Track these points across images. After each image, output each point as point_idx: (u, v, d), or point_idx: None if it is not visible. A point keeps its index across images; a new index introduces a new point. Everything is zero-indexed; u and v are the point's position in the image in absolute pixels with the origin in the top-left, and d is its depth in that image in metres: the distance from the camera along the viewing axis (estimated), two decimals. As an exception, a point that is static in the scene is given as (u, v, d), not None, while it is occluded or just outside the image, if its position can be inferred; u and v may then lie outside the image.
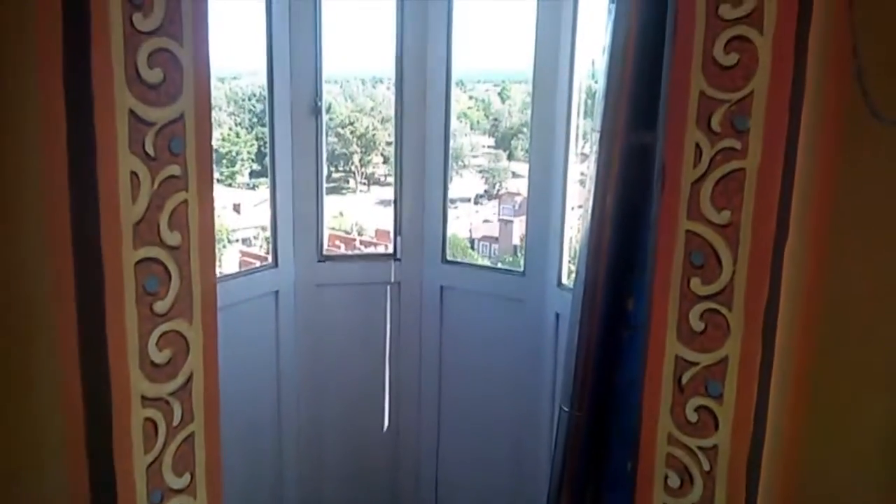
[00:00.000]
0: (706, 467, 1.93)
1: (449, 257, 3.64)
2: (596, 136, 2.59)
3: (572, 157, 3.20)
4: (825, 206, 1.95)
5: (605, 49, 2.49)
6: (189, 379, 1.81)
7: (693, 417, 1.93)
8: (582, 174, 3.28)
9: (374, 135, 7.68)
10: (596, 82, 2.85)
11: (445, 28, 3.43)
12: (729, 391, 1.88)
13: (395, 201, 3.59)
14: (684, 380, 1.94)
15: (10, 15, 1.59)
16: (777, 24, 1.73)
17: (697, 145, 1.83)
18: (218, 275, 1.90)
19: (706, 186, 1.84)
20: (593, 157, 2.60)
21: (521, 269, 3.44)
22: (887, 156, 1.89)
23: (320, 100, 3.41)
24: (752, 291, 1.82)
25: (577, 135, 3.19)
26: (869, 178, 1.91)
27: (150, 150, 1.65)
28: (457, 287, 3.58)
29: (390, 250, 3.70)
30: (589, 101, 3.20)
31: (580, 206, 3.10)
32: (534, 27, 3.20)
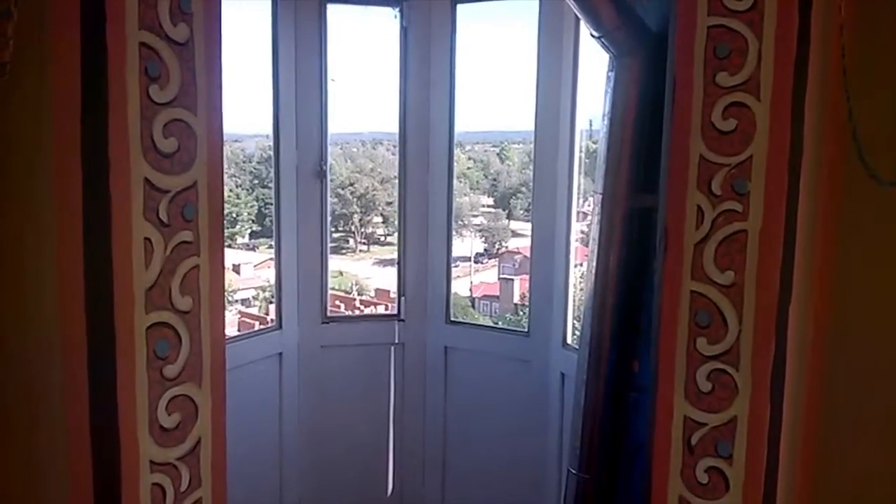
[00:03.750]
0: (717, 530, 1.91)
1: (452, 317, 3.65)
2: (598, 197, 2.63)
3: (573, 216, 3.25)
4: (827, 265, 1.98)
5: (605, 115, 2.55)
6: (197, 443, 1.80)
7: (704, 479, 1.92)
8: (582, 232, 3.32)
9: (373, 195, 7.75)
10: (595, 142, 2.92)
11: (448, 89, 3.51)
12: (738, 451, 1.88)
13: (398, 262, 3.61)
14: (694, 440, 1.93)
15: (31, 79, 1.64)
16: (773, 90, 1.78)
17: (699, 207, 1.86)
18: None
19: (709, 247, 1.86)
20: (595, 219, 2.64)
21: (526, 328, 3.45)
22: (886, 216, 1.93)
23: (325, 162, 3.47)
24: (759, 350, 1.83)
25: (577, 193, 3.24)
26: (869, 239, 1.95)
27: (163, 216, 1.67)
28: (461, 347, 3.58)
29: (391, 310, 3.71)
30: (587, 161, 3.26)
31: (581, 265, 3.13)
32: (534, 89, 3.28)
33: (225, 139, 1.84)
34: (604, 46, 2.52)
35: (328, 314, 3.56)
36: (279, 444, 3.44)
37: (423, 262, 3.56)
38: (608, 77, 2.55)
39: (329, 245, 3.58)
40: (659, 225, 1.98)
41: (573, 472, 2.67)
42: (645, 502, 2.03)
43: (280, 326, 3.42)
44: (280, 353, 3.40)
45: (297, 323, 3.46)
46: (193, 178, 1.73)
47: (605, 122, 2.55)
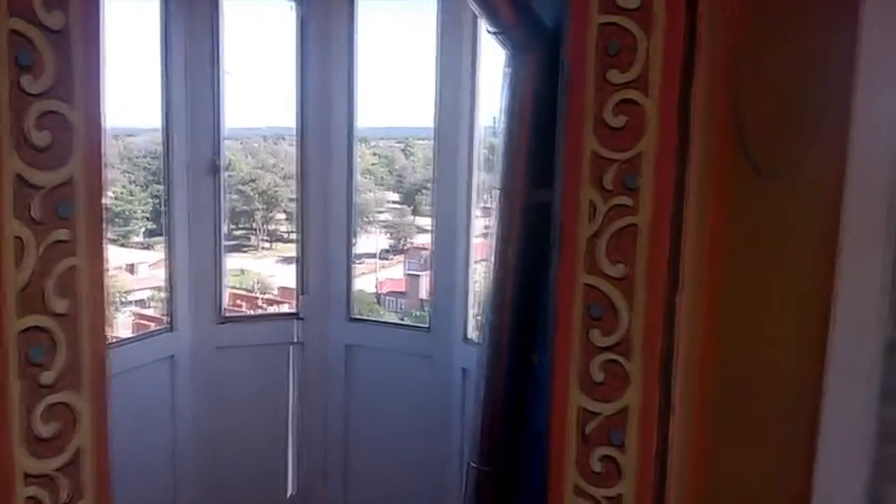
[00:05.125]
0: (612, 517, 1.96)
1: (355, 314, 3.61)
2: (497, 193, 2.65)
3: (475, 212, 3.26)
4: (715, 258, 2.06)
5: (503, 111, 2.57)
6: (78, 453, 1.71)
7: (598, 468, 1.96)
8: (486, 227, 3.34)
9: (276, 191, 7.60)
10: (498, 139, 2.94)
11: (347, 82, 3.47)
12: (631, 439, 1.92)
13: (298, 259, 3.55)
14: (588, 430, 1.97)
15: None
16: (662, 87, 1.83)
17: (592, 202, 1.90)
18: (110, 340, 1.82)
19: (601, 241, 1.90)
20: (495, 214, 2.66)
21: (427, 324, 3.44)
22: (771, 210, 2.02)
23: (220, 157, 3.36)
24: (649, 341, 1.88)
25: (479, 189, 3.26)
26: (755, 232, 2.04)
27: (36, 214, 1.58)
28: (363, 345, 3.54)
29: (295, 309, 3.64)
30: (491, 157, 3.28)
31: (484, 260, 3.15)
32: (434, 85, 3.27)
33: (118, 133, 1.75)
34: (501, 43, 2.53)
35: (225, 314, 3.46)
36: (172, 450, 3.32)
37: (325, 259, 3.50)
38: (505, 73, 2.57)
39: (225, 243, 3.47)
40: (554, 220, 2.01)
41: (474, 466, 2.68)
42: (543, 493, 2.06)
43: (172, 328, 3.30)
44: (172, 356, 3.28)
45: (191, 324, 3.34)
46: (70, 173, 1.63)
47: (503, 118, 2.57)
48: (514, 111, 2.53)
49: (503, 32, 2.49)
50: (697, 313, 1.99)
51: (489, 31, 2.56)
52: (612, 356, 1.93)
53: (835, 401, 1.98)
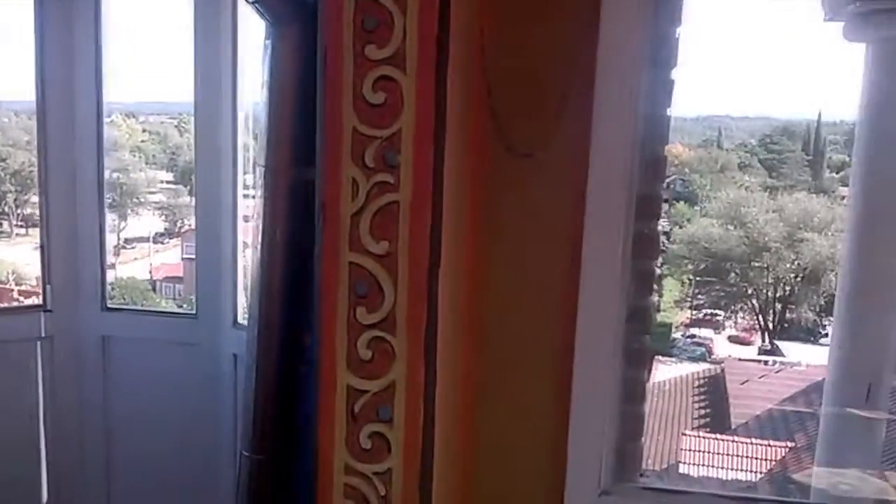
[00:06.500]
0: (382, 492, 1.98)
1: (114, 304, 3.35)
2: (261, 170, 2.55)
3: (241, 192, 3.14)
4: (475, 233, 2.14)
5: (264, 84, 2.48)
6: None
7: (367, 444, 1.97)
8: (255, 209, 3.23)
9: (31, 171, 6.85)
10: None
11: (95, 54, 3.18)
12: (398, 414, 1.95)
13: (41, 246, 3.20)
14: (357, 408, 1.97)
15: None
16: (418, 65, 1.84)
17: (354, 180, 1.89)
18: None
19: (365, 219, 1.90)
20: (260, 193, 2.56)
21: (194, 311, 3.27)
22: (521, 184, 2.12)
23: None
24: (412, 316, 1.91)
25: (244, 169, 3.14)
26: (512, 207, 2.14)
27: None
28: (122, 336, 3.31)
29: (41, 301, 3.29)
30: (259, 135, 3.16)
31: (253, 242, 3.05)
32: (192, 60, 3.09)
33: None
34: (259, 13, 2.43)
35: (-46, 310, 3.06)
36: None
37: (73, 245, 3.20)
38: (266, 46, 2.47)
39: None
40: (317, 197, 1.97)
41: (246, 454, 2.59)
42: (314, 474, 2.03)
43: None
44: None
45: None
46: None
47: (265, 92, 2.47)
48: (276, 86, 2.44)
49: (260, 2, 2.39)
50: (459, 288, 2.06)
51: (247, 1, 2.44)
52: (378, 333, 1.93)
53: (584, 364, 2.14)
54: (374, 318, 1.92)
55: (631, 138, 2.07)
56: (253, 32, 3.06)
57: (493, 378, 2.21)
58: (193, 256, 3.37)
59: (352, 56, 1.84)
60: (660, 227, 2.28)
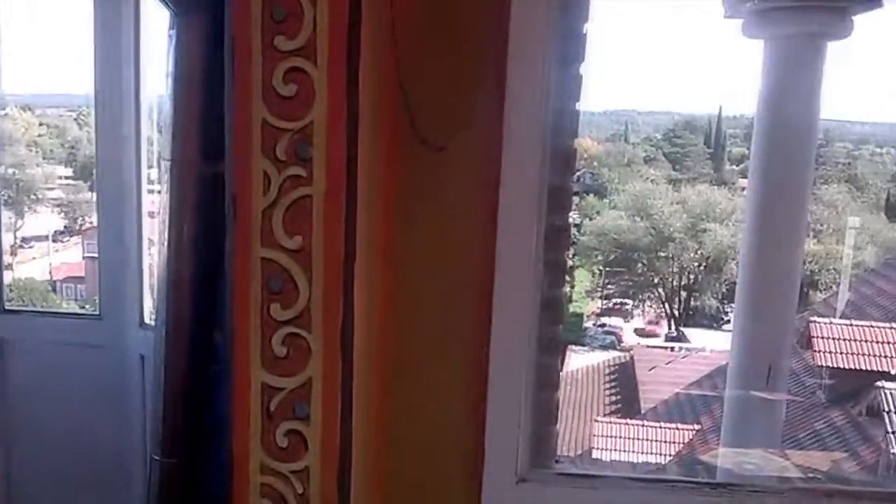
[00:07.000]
0: (300, 490, 1.95)
1: (21, 305, 3.19)
2: (167, 164, 2.47)
3: (145, 188, 3.03)
4: (389, 226, 2.13)
5: (169, 76, 2.40)
6: None
7: (283, 443, 1.94)
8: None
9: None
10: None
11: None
12: (315, 411, 1.92)
13: (-73, 247, 3.03)
14: (272, 407, 1.93)
15: None
16: (329, 57, 1.82)
17: (265, 173, 1.85)
18: None
19: (277, 213, 1.86)
20: (165, 187, 2.48)
21: (97, 311, 3.15)
22: (436, 177, 2.12)
23: None
24: (328, 312, 1.89)
25: (148, 163, 3.03)
26: (423, 197, 2.13)
27: None
28: (20, 339, 3.15)
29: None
30: (164, 128, 3.06)
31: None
32: (92, 50, 2.96)
33: None
34: (163, 2, 2.35)
35: None
36: None
37: (-36, 245, 3.03)
38: (170, 36, 2.39)
39: None
40: (227, 192, 1.92)
41: (157, 458, 2.51)
42: (229, 475, 1.99)
43: None
44: None
45: None
46: None
47: (170, 83, 2.39)
48: (182, 77, 2.37)
49: (164, -10, 2.31)
50: (374, 281, 2.04)
51: (149, -11, 2.36)
52: (293, 329, 1.90)
53: (500, 353, 2.17)
54: (288, 315, 1.89)
55: (542, 132, 2.09)
56: (156, 22, 2.96)
57: (408, 369, 2.21)
58: (96, 255, 3.24)
59: (260, 47, 1.80)
60: (571, 220, 2.32)
